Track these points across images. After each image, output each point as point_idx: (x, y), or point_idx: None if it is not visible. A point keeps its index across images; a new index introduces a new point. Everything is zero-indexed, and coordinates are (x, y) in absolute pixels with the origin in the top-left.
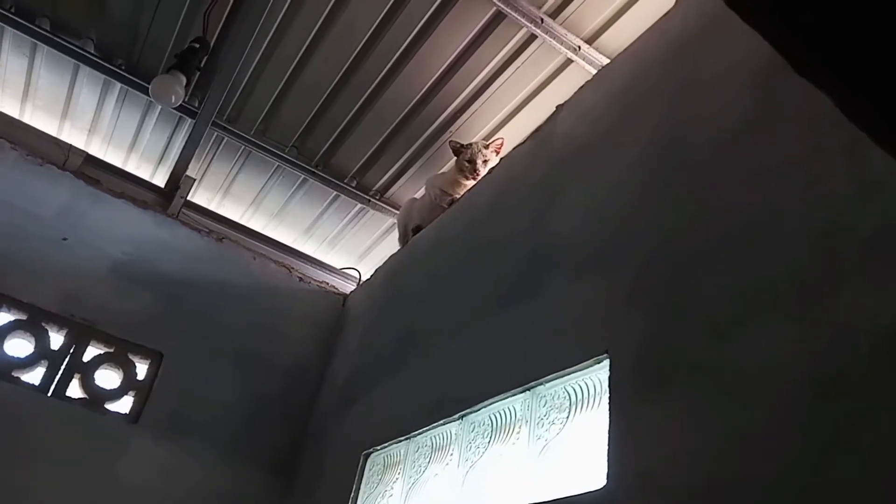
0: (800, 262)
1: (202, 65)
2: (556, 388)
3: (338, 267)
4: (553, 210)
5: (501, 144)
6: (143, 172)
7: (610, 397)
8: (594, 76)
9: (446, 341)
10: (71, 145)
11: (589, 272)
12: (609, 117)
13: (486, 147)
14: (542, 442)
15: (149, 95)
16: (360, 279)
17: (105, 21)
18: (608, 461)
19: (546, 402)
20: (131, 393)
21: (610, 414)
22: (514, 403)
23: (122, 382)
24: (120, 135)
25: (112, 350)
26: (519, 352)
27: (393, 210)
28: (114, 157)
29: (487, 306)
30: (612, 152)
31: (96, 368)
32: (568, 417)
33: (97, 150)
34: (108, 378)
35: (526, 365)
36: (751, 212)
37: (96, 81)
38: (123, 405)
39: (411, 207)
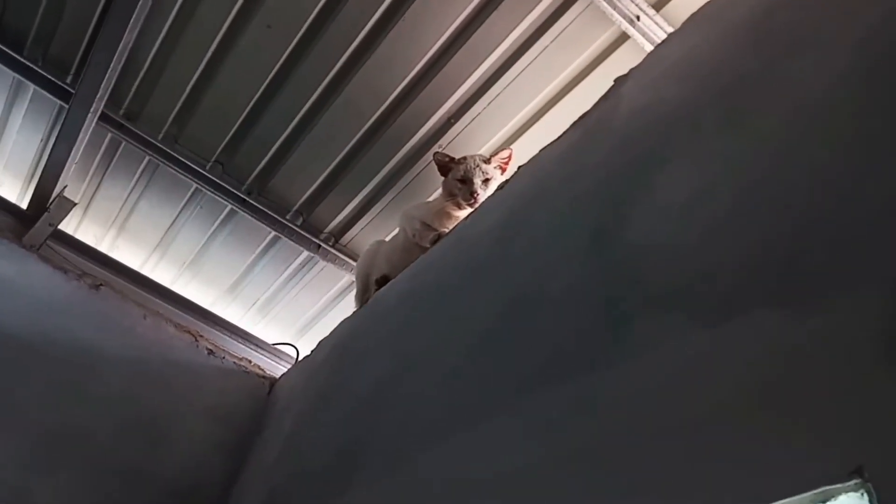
0: None
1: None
2: None
3: (269, 342)
4: (634, 213)
5: (509, 158)
6: (8, 191)
7: None
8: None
9: (434, 446)
10: None
11: (744, 305)
12: (728, 54)
13: (487, 162)
14: None
15: (15, 71)
16: (297, 358)
17: None
18: None
19: None
20: None
21: None
22: None
23: None
24: None
25: None
26: (591, 474)
27: (350, 261)
28: None
29: (511, 385)
30: (755, 91)
31: None
32: None
33: None
34: None
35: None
36: None
37: None
38: None
39: (376, 252)
